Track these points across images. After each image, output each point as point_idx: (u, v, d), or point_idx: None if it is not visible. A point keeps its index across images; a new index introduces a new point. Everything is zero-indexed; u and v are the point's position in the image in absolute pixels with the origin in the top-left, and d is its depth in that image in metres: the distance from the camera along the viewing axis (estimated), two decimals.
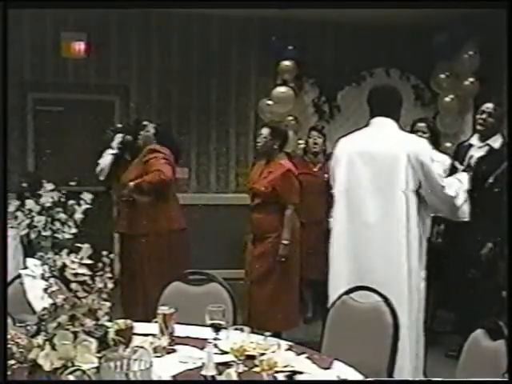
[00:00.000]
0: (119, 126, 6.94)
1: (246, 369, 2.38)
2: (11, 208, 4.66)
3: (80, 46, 7.24)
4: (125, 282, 4.80)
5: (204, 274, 3.43)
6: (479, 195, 4.69)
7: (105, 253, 2.13)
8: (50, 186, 4.79)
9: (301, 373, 2.36)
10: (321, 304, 5.35)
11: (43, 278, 2.11)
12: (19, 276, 2.52)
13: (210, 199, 7.50)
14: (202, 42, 7.58)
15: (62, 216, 4.76)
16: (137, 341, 2.44)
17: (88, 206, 4.80)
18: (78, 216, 4.81)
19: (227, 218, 7.00)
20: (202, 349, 2.51)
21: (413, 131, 5.21)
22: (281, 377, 2.31)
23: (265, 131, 5.02)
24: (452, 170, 4.99)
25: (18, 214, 4.69)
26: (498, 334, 2.36)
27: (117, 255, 4.95)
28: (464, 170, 4.62)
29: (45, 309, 2.01)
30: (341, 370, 2.42)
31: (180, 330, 2.77)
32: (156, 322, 2.74)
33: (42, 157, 7.25)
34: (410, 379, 3.42)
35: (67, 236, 4.74)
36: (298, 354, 2.51)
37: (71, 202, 4.79)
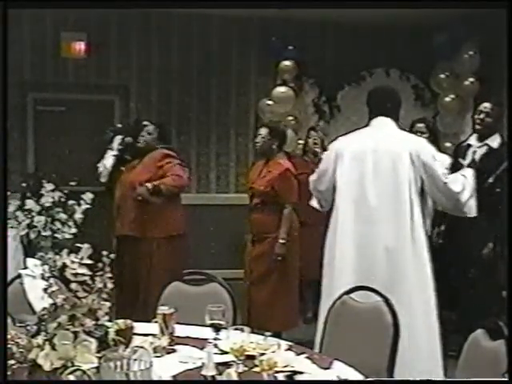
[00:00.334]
0: (119, 125, 6.95)
1: (246, 369, 2.38)
2: (11, 208, 4.66)
3: (80, 46, 7.24)
4: (125, 285, 4.74)
5: (204, 274, 3.43)
6: (479, 195, 4.69)
7: (105, 253, 2.13)
8: (50, 186, 4.80)
9: (301, 373, 2.36)
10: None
11: (43, 278, 2.11)
12: (19, 276, 2.52)
13: (210, 199, 7.50)
14: (202, 41, 7.58)
15: (62, 216, 4.76)
16: (137, 341, 2.43)
17: (88, 206, 4.80)
18: (78, 216, 4.81)
19: (227, 218, 7.00)
20: (201, 349, 2.51)
21: (412, 131, 5.21)
22: (281, 377, 2.31)
23: (263, 131, 5.02)
24: (455, 168, 4.99)
25: (18, 213, 4.69)
26: (497, 333, 2.36)
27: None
28: (469, 166, 4.61)
29: (45, 309, 2.01)
30: (341, 370, 2.41)
31: (180, 330, 2.77)
32: (156, 321, 2.74)
33: (41, 157, 7.25)
34: (411, 379, 3.42)
35: (67, 236, 4.75)
36: (298, 354, 2.51)
37: (71, 202, 4.79)
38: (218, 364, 2.38)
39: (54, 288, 2.04)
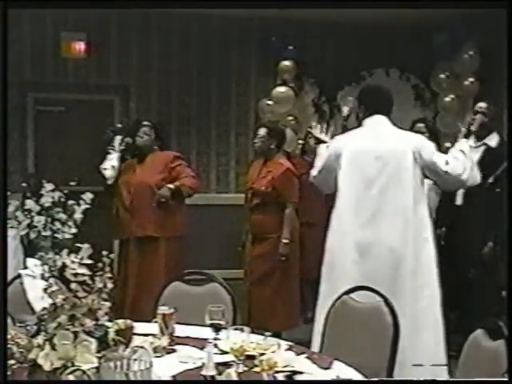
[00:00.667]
0: (119, 125, 6.94)
1: (246, 369, 2.38)
2: (11, 208, 4.66)
3: (80, 46, 7.24)
4: (143, 284, 4.73)
5: (204, 274, 3.43)
6: (479, 195, 4.69)
7: (105, 253, 2.13)
8: (50, 186, 4.79)
9: (301, 373, 2.36)
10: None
11: (43, 278, 2.11)
12: (19, 276, 2.52)
13: (209, 199, 7.50)
14: (202, 42, 7.58)
15: (62, 216, 4.75)
16: (137, 341, 2.43)
17: (88, 206, 4.79)
18: (78, 216, 4.80)
19: (227, 218, 6.99)
20: (202, 349, 2.51)
21: (412, 132, 5.22)
22: (281, 377, 2.31)
23: (262, 131, 5.02)
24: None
25: (18, 213, 4.69)
26: (498, 333, 2.36)
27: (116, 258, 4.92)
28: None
29: (45, 309, 2.01)
30: (341, 370, 2.41)
31: (180, 330, 2.77)
32: (156, 321, 2.74)
33: (41, 157, 7.25)
34: (411, 379, 3.41)
35: (67, 236, 4.73)
36: (298, 354, 2.51)
37: (71, 202, 4.78)
38: (218, 364, 2.38)
39: (54, 288, 2.04)
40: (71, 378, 1.89)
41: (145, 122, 5.14)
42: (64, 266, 2.08)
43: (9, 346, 2.00)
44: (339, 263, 3.79)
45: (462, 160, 3.87)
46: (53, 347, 1.92)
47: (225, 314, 2.61)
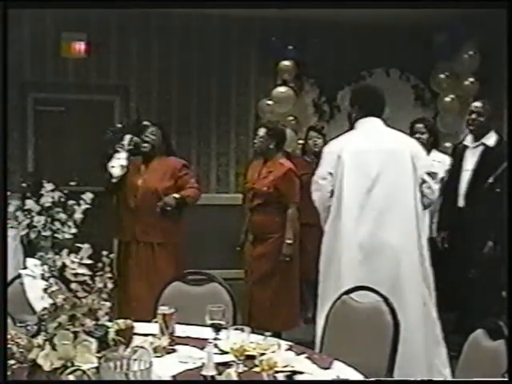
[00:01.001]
0: (119, 125, 6.94)
1: (245, 369, 2.38)
2: (11, 208, 4.66)
3: (80, 46, 7.24)
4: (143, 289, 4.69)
5: (204, 274, 3.43)
6: (480, 195, 4.70)
7: (105, 253, 2.13)
8: (49, 186, 4.78)
9: (301, 373, 2.36)
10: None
11: (43, 278, 2.11)
12: (19, 276, 2.52)
13: (209, 199, 7.50)
14: (202, 41, 7.58)
15: (62, 216, 4.75)
16: (137, 341, 2.43)
17: (88, 206, 4.79)
18: (78, 216, 4.80)
19: (227, 218, 6.99)
20: (202, 349, 2.51)
21: (412, 132, 5.23)
22: (281, 377, 2.31)
23: (261, 131, 5.02)
24: (455, 170, 5.01)
25: (18, 213, 4.69)
26: (498, 333, 2.36)
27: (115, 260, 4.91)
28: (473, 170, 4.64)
29: (45, 309, 2.01)
30: (341, 370, 2.42)
31: (180, 330, 2.77)
32: (156, 321, 2.74)
33: (41, 157, 7.25)
34: (411, 379, 3.42)
35: (67, 236, 4.73)
36: (298, 354, 2.51)
37: (71, 202, 4.78)
38: (218, 364, 2.38)
39: (54, 288, 2.04)
40: (71, 378, 1.89)
41: (145, 123, 5.11)
42: (64, 266, 2.08)
43: (9, 346, 2.00)
44: (342, 263, 3.77)
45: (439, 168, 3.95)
46: (53, 347, 1.92)
47: (225, 313, 2.61)
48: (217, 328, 2.57)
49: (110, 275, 2.10)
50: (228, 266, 5.99)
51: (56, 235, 4.72)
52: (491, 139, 4.91)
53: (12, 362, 1.99)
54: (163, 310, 2.74)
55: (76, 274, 2.06)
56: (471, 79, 7.10)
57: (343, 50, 7.67)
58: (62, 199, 4.78)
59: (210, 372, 2.33)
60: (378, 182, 3.76)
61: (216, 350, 2.48)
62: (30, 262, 2.38)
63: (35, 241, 4.71)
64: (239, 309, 3.45)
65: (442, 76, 7.38)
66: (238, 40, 7.65)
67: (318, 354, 2.71)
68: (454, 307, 5.14)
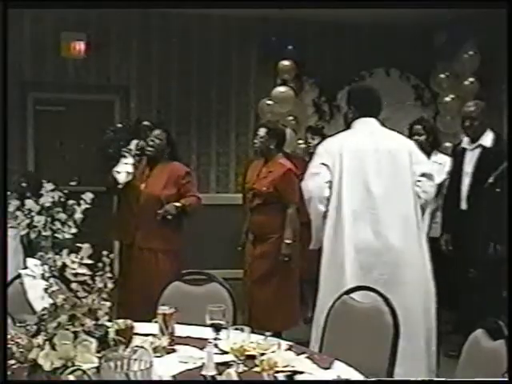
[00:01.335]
0: (119, 125, 6.95)
1: (246, 369, 2.38)
2: (11, 208, 4.65)
3: (80, 46, 7.24)
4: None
5: (204, 274, 3.43)
6: (480, 197, 4.69)
7: (105, 253, 2.13)
8: (49, 186, 4.78)
9: (301, 373, 2.36)
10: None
11: (43, 278, 2.11)
12: (19, 276, 2.52)
13: (210, 199, 7.49)
14: (202, 41, 7.58)
15: (62, 216, 4.75)
16: (137, 341, 2.43)
17: (88, 206, 4.79)
18: (78, 216, 4.80)
19: (227, 218, 6.99)
20: (202, 349, 2.51)
21: (411, 133, 5.24)
22: (281, 377, 2.31)
23: (262, 131, 5.01)
24: (455, 172, 5.00)
25: (18, 213, 4.69)
26: (498, 333, 2.36)
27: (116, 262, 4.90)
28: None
29: (45, 309, 2.01)
30: (341, 370, 2.42)
31: (180, 330, 2.77)
32: (156, 321, 2.74)
33: (41, 157, 7.25)
34: (412, 379, 3.42)
35: (67, 236, 4.73)
36: (298, 354, 2.51)
37: (71, 201, 4.77)
38: (218, 364, 2.38)
39: (54, 288, 2.04)
40: (71, 378, 1.89)
41: (145, 123, 5.12)
42: (64, 265, 2.08)
43: (9, 346, 2.00)
44: (343, 264, 3.77)
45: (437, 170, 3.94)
46: (53, 347, 1.92)
47: (225, 313, 2.61)
48: (217, 328, 2.57)
49: (110, 275, 2.10)
50: (228, 266, 5.99)
51: (56, 235, 4.72)
52: (488, 139, 4.90)
53: (12, 361, 1.99)
54: (163, 309, 2.74)
55: (76, 274, 2.06)
56: (471, 79, 7.10)
57: (343, 50, 7.67)
58: (62, 199, 4.78)
59: (209, 372, 2.33)
60: (376, 182, 3.76)
61: (216, 350, 2.48)
62: (30, 261, 2.38)
63: (35, 241, 4.70)
64: (239, 309, 3.45)
65: (442, 76, 7.38)
66: (238, 40, 7.66)
67: (317, 353, 2.71)
68: (454, 307, 5.14)
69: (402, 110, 7.40)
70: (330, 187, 3.82)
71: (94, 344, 1.95)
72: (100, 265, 2.11)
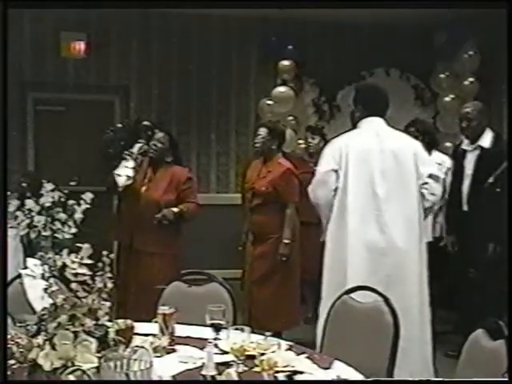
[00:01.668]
0: (119, 125, 6.94)
1: (246, 369, 2.38)
2: (11, 208, 4.65)
3: (80, 46, 7.24)
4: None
5: (204, 274, 3.43)
6: (480, 198, 4.70)
7: (105, 253, 2.13)
8: (49, 186, 4.78)
9: (301, 373, 2.36)
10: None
11: (43, 277, 2.11)
12: (19, 276, 2.52)
13: (210, 199, 7.49)
14: (202, 41, 7.58)
15: (62, 216, 4.75)
16: (137, 341, 2.43)
17: (88, 206, 4.79)
18: (78, 216, 4.80)
19: (227, 218, 6.99)
20: (202, 349, 2.51)
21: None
22: (281, 377, 2.31)
23: (262, 131, 5.01)
24: (457, 173, 5.00)
25: (18, 213, 4.69)
26: (498, 333, 2.36)
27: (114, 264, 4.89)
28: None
29: (45, 309, 2.01)
30: (341, 370, 2.42)
31: (180, 330, 2.77)
32: (156, 321, 2.74)
33: (41, 157, 7.25)
34: (412, 379, 3.42)
35: (67, 236, 4.73)
36: (298, 354, 2.51)
37: (71, 201, 4.77)
38: (218, 364, 2.38)
39: (54, 288, 2.04)
40: (71, 378, 1.89)
41: (145, 123, 5.10)
42: (64, 265, 2.08)
43: (9, 346, 2.00)
44: (347, 264, 3.76)
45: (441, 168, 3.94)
46: (53, 347, 1.92)
47: (225, 313, 2.61)
48: (217, 328, 2.57)
49: (110, 275, 2.10)
50: (228, 266, 5.99)
51: (56, 235, 4.72)
52: (487, 140, 4.89)
53: (12, 361, 1.98)
54: (163, 309, 2.74)
55: (76, 274, 2.06)
56: (471, 79, 7.10)
57: (343, 50, 7.67)
58: (62, 199, 4.78)
59: (210, 372, 2.33)
60: (381, 182, 3.76)
61: (216, 350, 2.48)
62: (30, 261, 2.38)
63: (35, 241, 4.70)
64: (239, 309, 3.45)
65: (442, 76, 7.38)
66: (238, 40, 7.66)
67: (318, 353, 2.71)
68: (454, 307, 5.15)
69: (401, 110, 7.40)
70: (336, 189, 3.84)
71: (93, 344, 1.95)
72: (100, 265, 2.11)
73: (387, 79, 7.64)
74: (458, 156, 5.11)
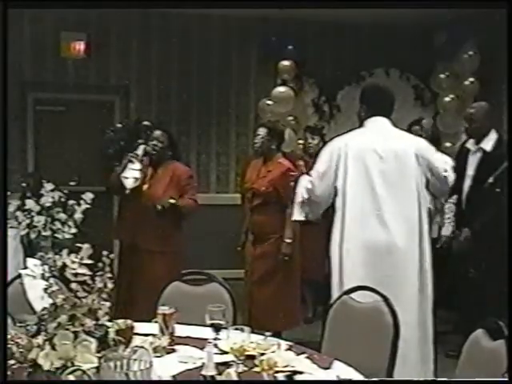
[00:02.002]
0: (119, 125, 6.95)
1: (245, 369, 2.38)
2: (11, 208, 4.66)
3: (80, 46, 7.25)
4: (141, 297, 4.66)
5: (204, 274, 3.43)
6: (480, 199, 4.70)
7: (105, 253, 2.13)
8: (49, 186, 4.78)
9: (301, 373, 2.36)
10: (321, 304, 5.37)
11: (43, 277, 2.11)
12: (19, 276, 2.52)
13: (209, 199, 7.50)
14: (202, 41, 7.58)
15: (62, 216, 4.75)
16: (137, 341, 2.43)
17: (88, 206, 4.79)
18: (78, 216, 4.80)
19: (227, 218, 6.99)
20: (202, 349, 2.51)
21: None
22: (281, 377, 2.31)
23: (262, 131, 5.01)
24: (458, 172, 5.00)
25: (18, 214, 4.69)
26: (498, 333, 2.36)
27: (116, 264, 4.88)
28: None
29: (45, 309, 2.01)
30: (341, 370, 2.42)
31: (180, 330, 2.77)
32: (156, 321, 2.74)
33: (41, 157, 7.25)
34: (412, 379, 3.42)
35: (67, 236, 4.73)
36: (298, 354, 2.51)
37: (71, 202, 4.78)
38: (218, 364, 2.38)
39: (54, 288, 2.04)
40: (71, 378, 1.89)
41: (145, 123, 5.10)
42: (64, 265, 2.08)
43: (9, 346, 2.00)
44: (348, 263, 3.76)
45: (451, 165, 3.90)
46: (53, 347, 1.92)
47: (225, 314, 2.61)
48: (217, 328, 2.57)
49: (110, 275, 2.10)
50: (228, 266, 5.99)
51: (56, 235, 4.72)
52: (490, 142, 4.89)
53: (12, 361, 1.98)
54: (163, 309, 2.74)
55: (76, 274, 2.06)
56: (471, 79, 7.10)
57: (343, 50, 7.67)
58: (62, 199, 4.78)
59: (209, 372, 2.33)
60: (381, 182, 3.76)
61: (216, 350, 2.48)
62: (30, 261, 2.38)
63: (35, 241, 4.70)
64: (239, 309, 3.45)
65: (442, 76, 7.38)
66: (238, 40, 7.66)
67: (318, 353, 2.71)
68: (454, 307, 5.14)
69: (401, 110, 7.38)
70: (336, 190, 3.84)
71: (93, 344, 1.95)
72: (100, 265, 2.11)
73: (387, 79, 7.64)
74: (461, 155, 5.11)
